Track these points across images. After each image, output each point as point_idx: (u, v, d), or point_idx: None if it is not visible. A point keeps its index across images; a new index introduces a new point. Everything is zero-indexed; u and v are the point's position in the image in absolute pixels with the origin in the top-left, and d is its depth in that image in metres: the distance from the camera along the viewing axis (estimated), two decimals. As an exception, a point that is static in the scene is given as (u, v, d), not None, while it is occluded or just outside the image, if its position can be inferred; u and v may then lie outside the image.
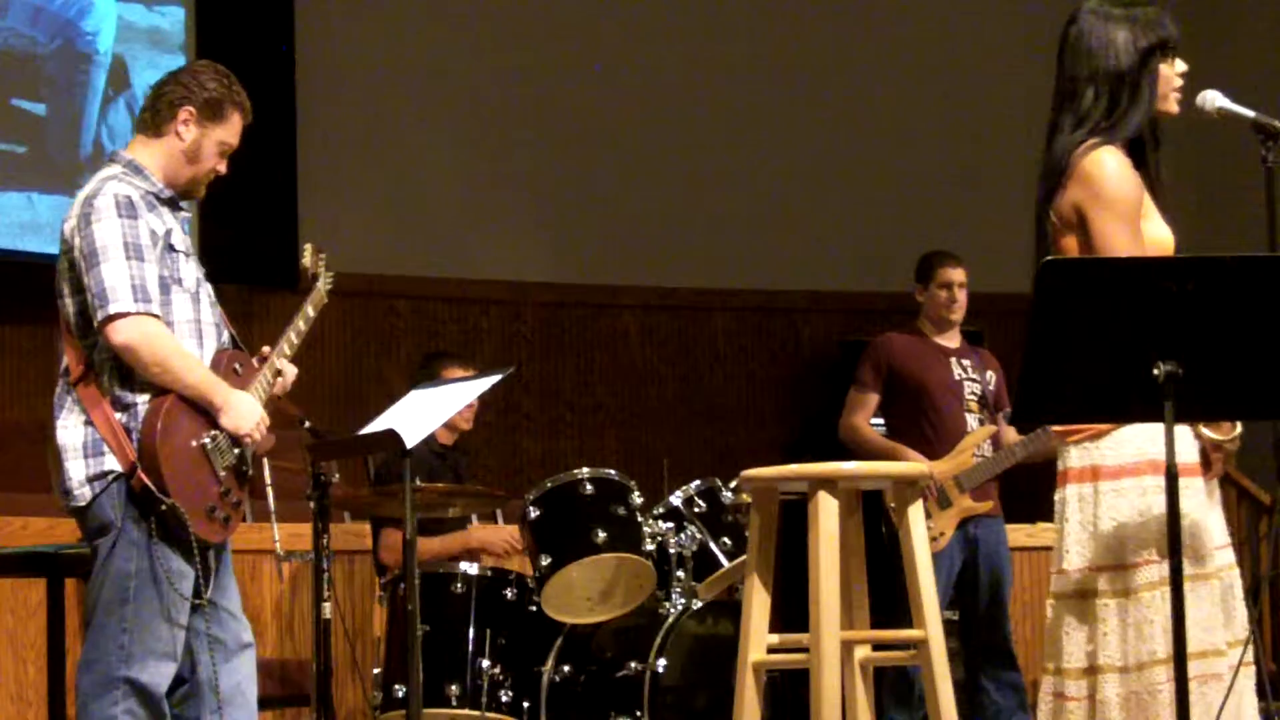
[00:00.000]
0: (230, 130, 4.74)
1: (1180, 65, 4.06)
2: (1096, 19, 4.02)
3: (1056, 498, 4.03)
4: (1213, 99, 4.03)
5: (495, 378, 5.71)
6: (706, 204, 10.84)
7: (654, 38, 10.89)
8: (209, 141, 4.71)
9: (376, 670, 6.24)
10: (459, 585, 6.17)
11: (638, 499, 6.21)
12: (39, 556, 5.57)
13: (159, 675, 4.53)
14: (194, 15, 9.79)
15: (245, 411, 4.61)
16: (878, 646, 4.83)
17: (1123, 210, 3.91)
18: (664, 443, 10.50)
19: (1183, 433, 3.80)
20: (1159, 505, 3.85)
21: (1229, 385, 3.62)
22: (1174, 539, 3.58)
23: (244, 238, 9.45)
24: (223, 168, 4.77)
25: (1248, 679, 3.96)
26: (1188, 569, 3.80)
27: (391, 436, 5.18)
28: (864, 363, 6.99)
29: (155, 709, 4.53)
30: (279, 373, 4.81)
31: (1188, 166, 10.51)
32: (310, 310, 4.95)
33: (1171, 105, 4.06)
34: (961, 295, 6.97)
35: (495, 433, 10.27)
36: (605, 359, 10.86)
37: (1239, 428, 4.00)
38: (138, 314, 4.46)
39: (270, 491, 6.21)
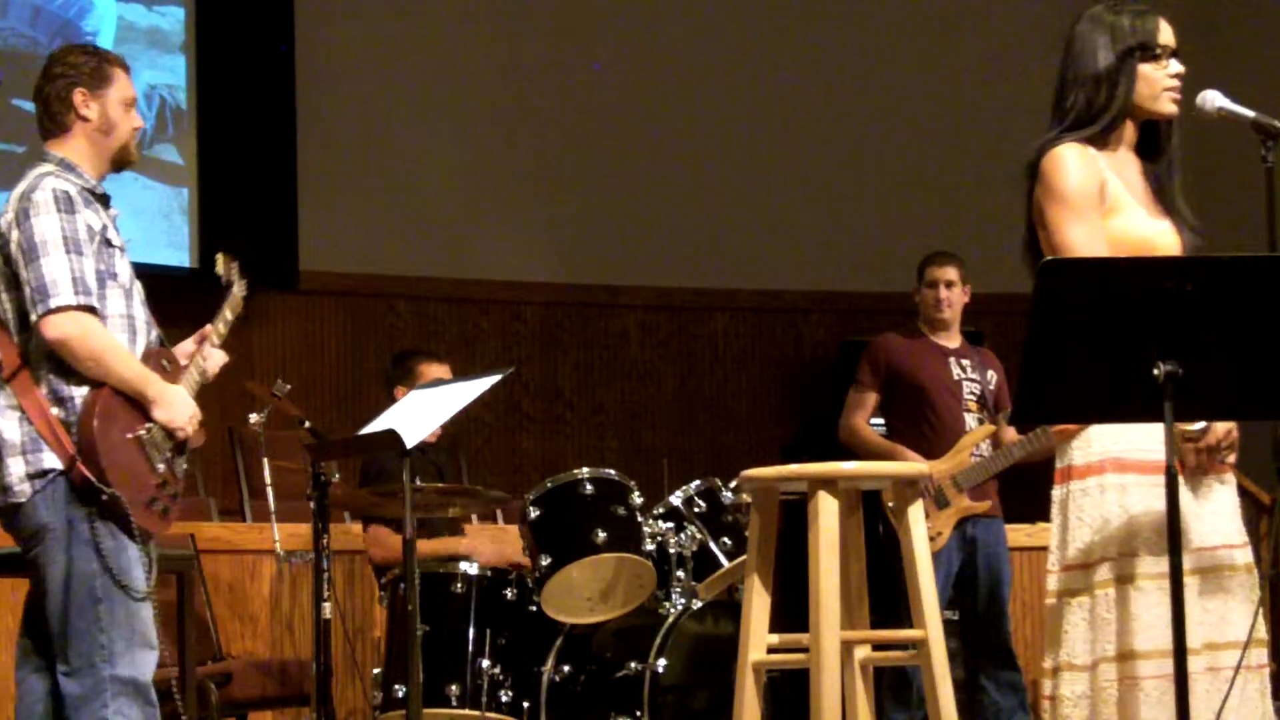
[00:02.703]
0: (121, 85, 4.76)
1: (1175, 67, 4.08)
2: (1087, 24, 4.10)
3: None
4: (1213, 99, 4.04)
5: (495, 378, 5.71)
6: (706, 204, 10.85)
7: (654, 38, 10.89)
8: (112, 106, 4.73)
9: (376, 670, 6.24)
10: (459, 585, 6.17)
11: (638, 499, 6.21)
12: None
13: (145, 666, 4.55)
14: (194, 15, 9.80)
15: (179, 405, 4.63)
16: (878, 646, 4.83)
17: (1073, 204, 3.96)
18: (664, 443, 10.51)
19: (1152, 429, 3.78)
20: (1117, 503, 3.90)
21: (1229, 385, 3.62)
22: (1174, 538, 3.58)
23: (244, 238, 9.44)
24: (139, 121, 4.80)
25: (1258, 680, 3.95)
26: (1144, 567, 3.83)
27: (391, 436, 5.18)
28: (863, 363, 6.99)
29: (145, 699, 4.55)
30: (207, 358, 4.83)
31: (1188, 166, 10.50)
32: (228, 314, 4.97)
33: (1163, 106, 4.09)
34: (950, 294, 6.96)
35: (495, 433, 10.27)
36: (605, 359, 10.86)
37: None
38: (76, 308, 4.48)
39: (270, 491, 6.21)
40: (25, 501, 4.51)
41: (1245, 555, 4.02)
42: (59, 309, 4.46)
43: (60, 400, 4.52)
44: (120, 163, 4.78)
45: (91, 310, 4.51)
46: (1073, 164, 3.98)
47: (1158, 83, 4.07)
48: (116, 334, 4.60)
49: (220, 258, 5.08)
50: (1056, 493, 4.04)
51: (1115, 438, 3.91)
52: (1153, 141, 4.14)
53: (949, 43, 11.19)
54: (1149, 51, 4.06)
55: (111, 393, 4.52)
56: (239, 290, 5.03)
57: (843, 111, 11.04)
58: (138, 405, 4.57)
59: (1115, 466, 3.91)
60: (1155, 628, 3.80)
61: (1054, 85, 4.12)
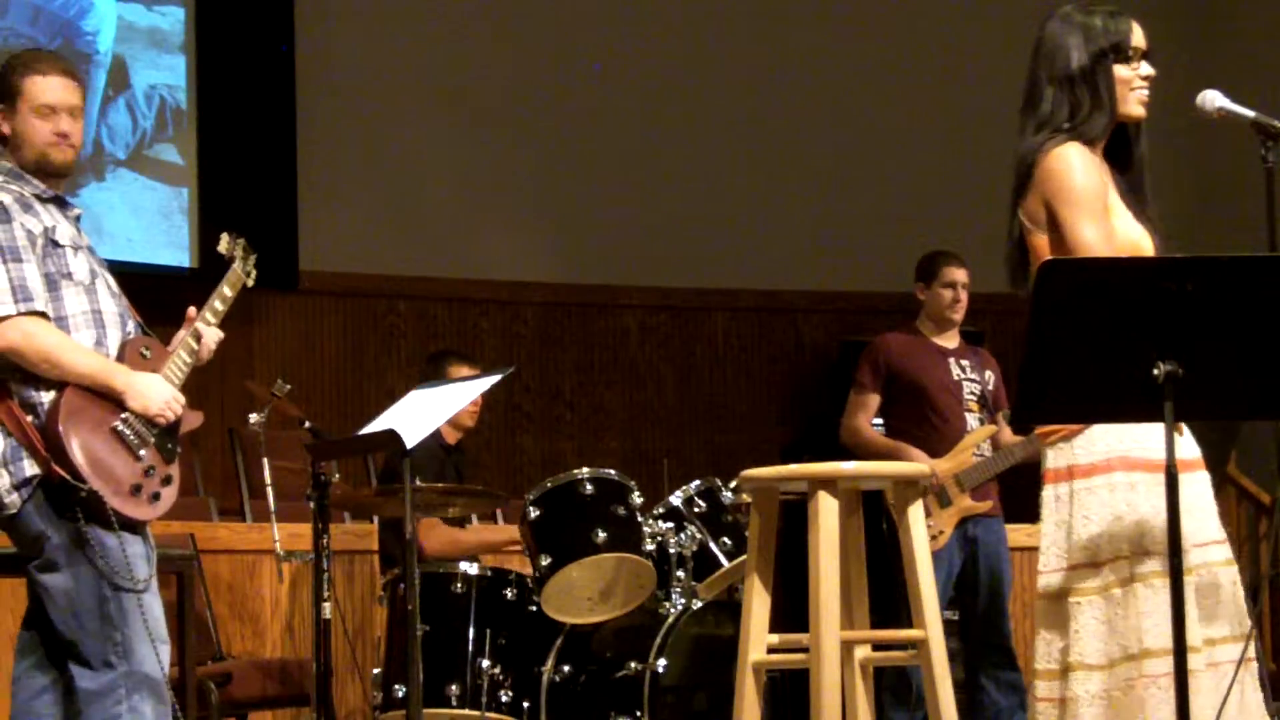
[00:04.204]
0: (34, 93, 4.68)
1: (1146, 69, 4.08)
2: (1059, 23, 4.10)
3: (1041, 500, 4.08)
4: (1213, 99, 4.05)
5: (495, 378, 5.72)
6: (706, 204, 10.85)
7: (654, 38, 10.90)
8: (22, 119, 4.68)
9: (376, 670, 6.24)
10: (459, 585, 6.17)
11: (638, 499, 6.21)
12: (39, 556, 5.56)
13: (159, 661, 4.56)
14: (194, 15, 9.80)
15: (150, 391, 4.61)
16: (878, 646, 4.83)
17: (1088, 204, 3.97)
18: (664, 443, 10.51)
19: (1157, 427, 3.79)
20: (1128, 502, 3.92)
21: (1229, 385, 3.62)
22: (1174, 538, 3.58)
23: (244, 238, 9.43)
24: (64, 125, 4.71)
25: (1249, 674, 3.97)
26: (1154, 565, 3.85)
27: (391, 436, 5.18)
28: (863, 364, 6.98)
29: (158, 695, 4.57)
30: (199, 336, 4.79)
31: (1188, 166, 10.51)
32: (227, 290, 4.93)
33: (1132, 108, 4.09)
34: (965, 296, 6.97)
35: (495, 433, 10.28)
36: (605, 359, 10.87)
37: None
38: (18, 315, 4.49)
39: (270, 491, 6.21)
40: (18, 512, 4.53)
41: (1226, 550, 4.05)
42: (1, 319, 4.48)
43: (31, 407, 4.53)
44: (45, 172, 4.72)
45: (39, 315, 4.52)
46: (1081, 164, 3.99)
47: (1128, 84, 4.08)
48: (81, 331, 4.60)
49: (224, 236, 5.07)
50: (1053, 491, 4.03)
51: (1119, 436, 3.92)
52: (1117, 144, 4.13)
53: (949, 43, 11.20)
54: (1121, 53, 4.06)
55: (76, 390, 4.53)
56: (239, 267, 5.01)
57: (842, 112, 11.04)
58: (110, 397, 4.58)
59: (1123, 465, 3.92)
60: (1163, 625, 3.81)
61: (1026, 83, 4.11)
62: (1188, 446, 4.04)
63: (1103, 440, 3.96)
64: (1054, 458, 4.04)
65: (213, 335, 4.83)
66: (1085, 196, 3.96)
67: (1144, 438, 3.90)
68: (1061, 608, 4.00)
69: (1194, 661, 3.83)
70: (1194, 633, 3.86)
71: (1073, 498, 3.99)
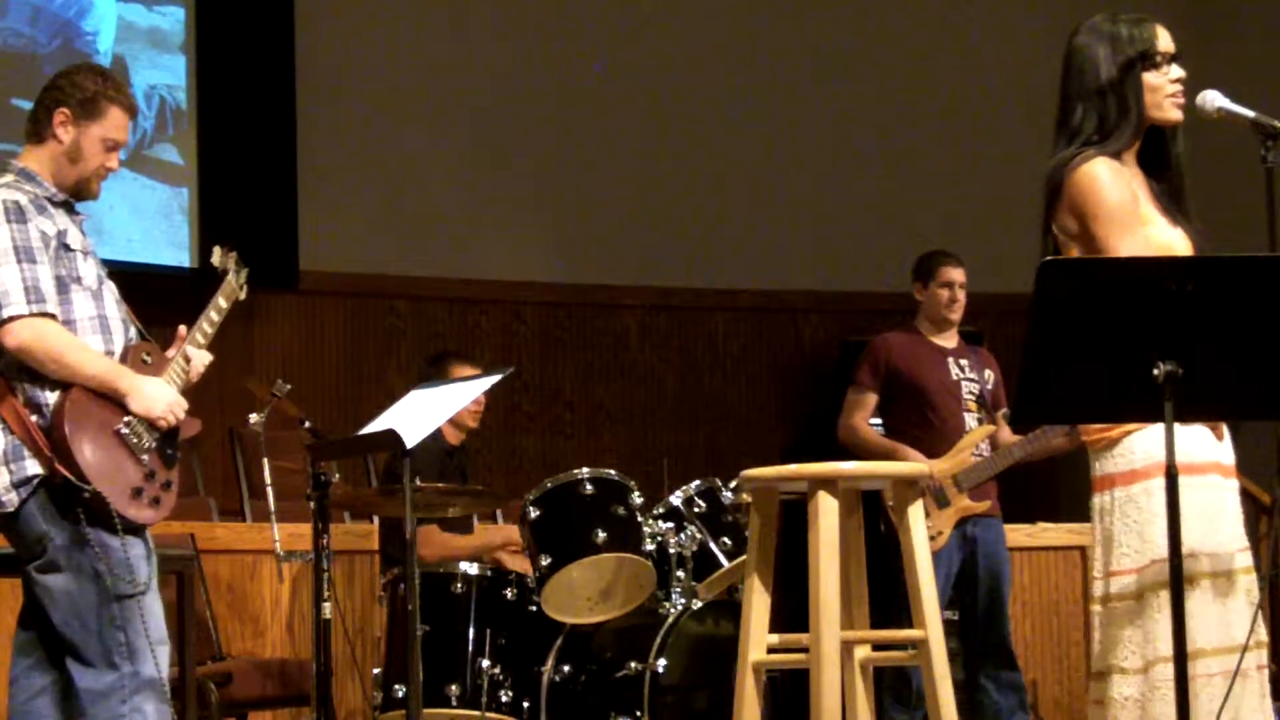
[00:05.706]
0: (110, 126, 4.72)
1: (1176, 72, 4.08)
2: (1087, 35, 4.10)
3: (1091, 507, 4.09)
4: (1213, 99, 4.04)
5: (495, 378, 5.72)
6: (706, 204, 10.85)
7: (654, 37, 10.90)
8: (88, 140, 4.71)
9: (376, 670, 6.25)
10: (459, 585, 6.17)
11: (638, 499, 6.21)
12: (39, 556, 5.56)
13: (160, 662, 4.58)
14: (194, 15, 9.81)
15: (154, 395, 4.62)
16: (878, 646, 4.83)
17: (1119, 218, 3.96)
18: (664, 443, 10.51)
19: (1198, 431, 3.80)
20: (1162, 506, 3.89)
21: (1229, 385, 3.62)
22: (1174, 538, 3.58)
23: (244, 238, 9.42)
24: (113, 164, 4.76)
25: (1258, 684, 3.97)
26: (1202, 566, 3.85)
27: (391, 436, 5.18)
28: (862, 363, 6.99)
29: (160, 695, 4.58)
30: (189, 359, 4.79)
31: (1188, 166, 10.50)
32: (222, 301, 4.92)
33: (1169, 112, 4.09)
34: (962, 295, 6.97)
35: (495, 433, 10.27)
36: (605, 359, 10.87)
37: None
38: (30, 315, 4.49)
39: (270, 491, 6.21)
40: (15, 511, 4.53)
41: (1248, 558, 4.04)
42: (12, 318, 4.49)
43: (37, 407, 4.54)
44: (77, 193, 4.76)
45: (48, 317, 4.52)
46: (1108, 179, 3.97)
47: (1160, 90, 4.07)
48: (88, 336, 4.61)
49: (217, 249, 5.07)
50: (1097, 500, 4.03)
51: (1156, 440, 3.90)
52: (1152, 148, 4.13)
53: (948, 43, 11.20)
54: (1150, 60, 4.06)
55: (82, 391, 4.54)
56: (234, 278, 5.00)
57: (842, 111, 11.04)
58: (115, 400, 4.58)
59: (1160, 470, 3.90)
60: (1214, 626, 3.82)
61: (1058, 99, 4.11)
62: (1227, 452, 4.04)
63: (1140, 447, 3.95)
64: (1099, 466, 4.03)
65: (201, 359, 4.82)
66: (1117, 212, 3.95)
67: (1182, 440, 3.87)
68: (1108, 612, 3.99)
69: (1247, 661, 3.86)
70: (1224, 635, 3.89)
71: (1114, 506, 3.99)
